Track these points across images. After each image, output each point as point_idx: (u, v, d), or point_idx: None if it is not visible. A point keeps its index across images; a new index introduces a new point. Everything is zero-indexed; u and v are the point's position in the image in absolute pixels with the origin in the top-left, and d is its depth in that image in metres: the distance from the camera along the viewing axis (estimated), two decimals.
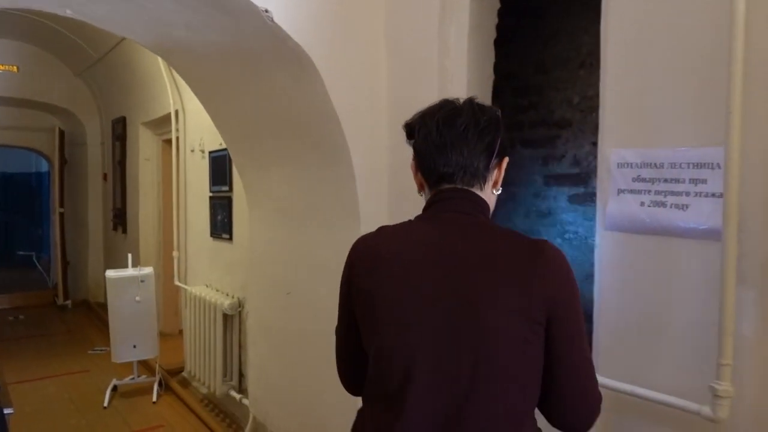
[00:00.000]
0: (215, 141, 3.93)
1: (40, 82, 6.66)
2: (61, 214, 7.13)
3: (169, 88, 4.63)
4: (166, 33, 2.42)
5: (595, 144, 2.79)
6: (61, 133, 7.09)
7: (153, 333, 4.35)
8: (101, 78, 6.51)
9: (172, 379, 4.55)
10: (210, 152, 4.17)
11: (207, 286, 4.27)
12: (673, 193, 1.47)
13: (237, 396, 3.70)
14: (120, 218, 6.46)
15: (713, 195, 1.39)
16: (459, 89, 2.22)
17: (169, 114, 4.72)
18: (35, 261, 9.13)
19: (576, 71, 2.86)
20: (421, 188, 1.21)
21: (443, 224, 1.12)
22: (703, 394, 1.34)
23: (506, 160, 1.18)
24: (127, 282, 4.24)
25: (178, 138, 4.75)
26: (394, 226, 1.19)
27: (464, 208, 1.12)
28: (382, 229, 1.19)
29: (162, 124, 5.28)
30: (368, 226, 2.42)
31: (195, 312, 4.18)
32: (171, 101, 4.66)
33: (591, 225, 2.81)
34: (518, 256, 1.05)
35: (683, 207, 1.45)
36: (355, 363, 1.22)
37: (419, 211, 2.28)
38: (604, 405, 1.62)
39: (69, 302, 7.19)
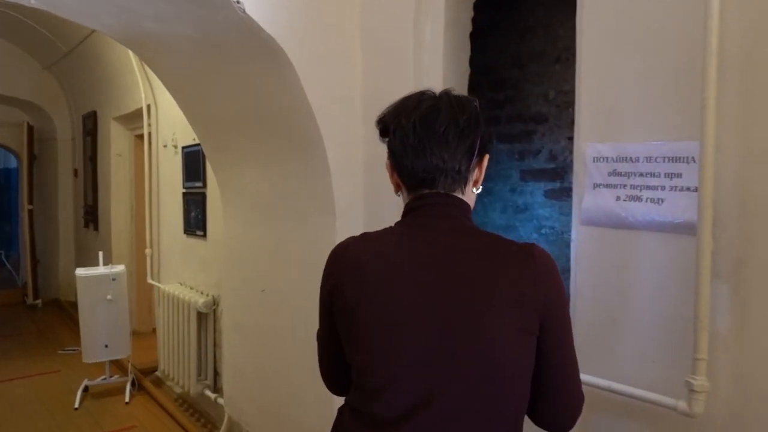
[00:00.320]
0: (188, 136, 3.85)
1: (6, 76, 6.48)
2: (30, 211, 6.96)
3: (141, 82, 4.54)
4: (135, 24, 2.36)
5: (571, 139, 2.80)
6: (30, 129, 6.92)
7: (125, 332, 4.26)
8: (71, 72, 6.36)
9: (146, 378, 4.47)
10: (183, 147, 4.09)
11: (181, 284, 4.21)
12: (648, 188, 1.46)
13: (212, 395, 3.65)
14: (91, 215, 6.34)
15: (688, 189, 1.39)
16: (435, 83, 2.19)
17: (141, 108, 4.64)
18: (4, 259, 8.91)
19: (552, 66, 2.86)
20: (398, 189, 1.15)
21: (428, 232, 1.06)
22: (679, 389, 1.34)
23: (487, 157, 1.14)
24: (98, 280, 4.15)
25: (150, 133, 4.66)
26: (377, 234, 1.12)
27: (447, 213, 1.08)
28: (365, 238, 1.12)
29: (134, 118, 5.18)
30: (344, 221, 2.43)
31: (168, 310, 4.11)
32: (143, 95, 4.58)
33: (567, 220, 2.82)
34: (509, 264, 1.01)
35: (659, 201, 1.44)
36: (337, 368, 1.18)
37: (395, 206, 2.26)
38: None
39: (39, 301, 7.04)
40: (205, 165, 3.73)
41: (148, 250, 4.63)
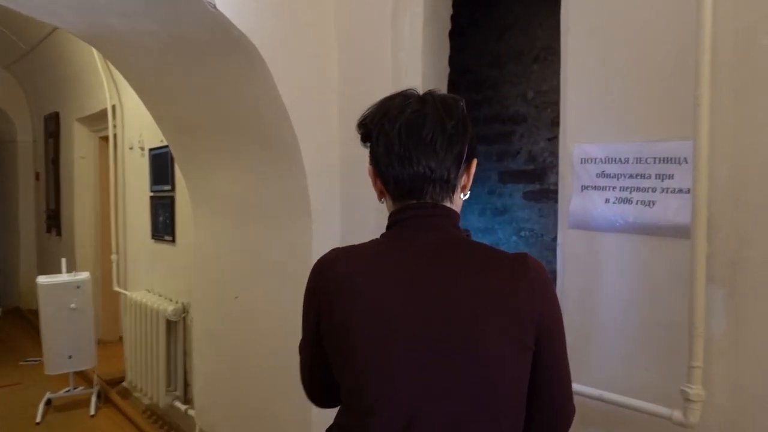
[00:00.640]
0: (156, 137, 3.75)
1: None
2: None
3: (106, 82, 4.40)
4: (99, 21, 2.24)
5: (550, 140, 2.77)
6: None
7: (90, 342, 4.10)
8: (32, 71, 6.15)
9: (112, 390, 4.32)
10: (150, 149, 3.98)
11: (148, 291, 4.08)
12: (639, 189, 1.42)
13: (182, 407, 3.54)
14: (54, 220, 6.15)
15: (680, 191, 1.34)
16: (414, 81, 2.13)
17: (106, 109, 4.49)
18: None
19: (530, 65, 2.82)
20: (381, 196, 1.09)
21: (418, 246, 1.00)
22: (674, 397, 1.29)
23: (475, 162, 1.08)
24: (61, 288, 3.99)
25: (115, 135, 4.53)
26: (363, 247, 1.05)
27: (436, 225, 1.02)
28: (351, 253, 1.04)
29: (98, 120, 5.02)
30: (320, 225, 2.35)
31: (136, 319, 3.97)
32: (107, 96, 4.43)
33: (547, 222, 2.78)
34: (504, 277, 0.96)
35: (650, 203, 1.40)
36: (321, 383, 1.12)
37: (374, 210, 2.19)
38: None
39: None
40: (174, 167, 3.63)
41: (114, 256, 4.48)
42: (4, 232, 7.04)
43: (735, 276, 1.26)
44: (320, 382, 1.12)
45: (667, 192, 1.37)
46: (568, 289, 1.58)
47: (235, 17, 2.03)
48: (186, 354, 3.67)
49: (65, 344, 4.00)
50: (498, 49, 2.94)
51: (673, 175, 1.36)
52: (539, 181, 2.77)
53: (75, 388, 4.16)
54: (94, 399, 4.11)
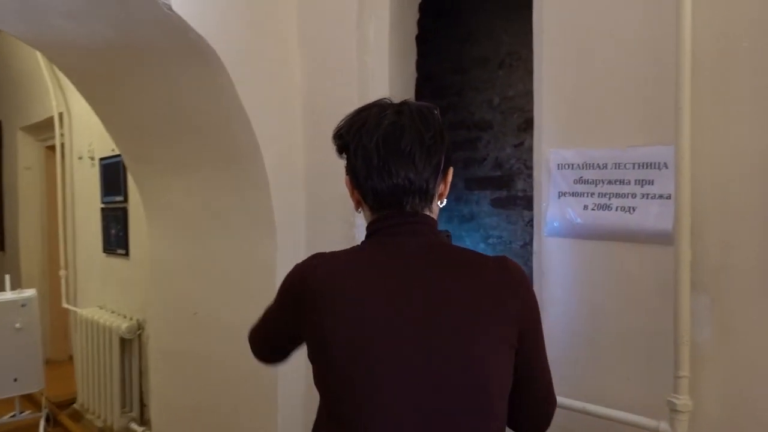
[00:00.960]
0: (107, 146, 3.58)
1: None
2: None
3: (52, 88, 4.19)
4: (43, 22, 2.10)
5: (517, 146, 2.75)
6: None
7: (37, 363, 3.87)
8: None
9: (62, 412, 4.10)
10: (101, 159, 3.80)
11: (100, 308, 3.89)
12: (618, 195, 1.39)
13: (138, 428, 3.39)
14: None
15: (661, 196, 1.32)
16: (381, 87, 2.07)
17: (53, 117, 4.28)
18: None
19: (495, 71, 2.80)
20: (359, 206, 1.10)
21: (399, 249, 1.01)
22: (661, 409, 1.26)
23: (451, 170, 1.10)
24: (5, 307, 3.75)
25: (63, 144, 4.32)
26: (343, 253, 1.05)
27: (416, 231, 1.03)
28: (333, 259, 1.04)
29: (44, 128, 4.78)
30: (285, 236, 2.25)
31: (87, 337, 3.78)
32: (54, 103, 4.22)
33: (515, 229, 2.75)
34: (487, 278, 0.99)
35: (630, 209, 1.37)
36: (273, 347, 1.22)
37: (341, 220, 2.12)
38: (553, 425, 1.53)
39: None
40: (126, 178, 3.48)
41: (62, 272, 4.26)
42: None
43: (719, 282, 1.24)
44: (273, 346, 1.20)
45: (647, 198, 1.34)
46: (546, 300, 1.53)
47: (192, 20, 1.93)
48: (142, 373, 3.51)
49: (10, 366, 3.75)
50: (462, 55, 2.91)
51: (653, 180, 1.33)
52: (506, 187, 2.74)
53: (21, 413, 3.92)
54: (42, 423, 3.87)
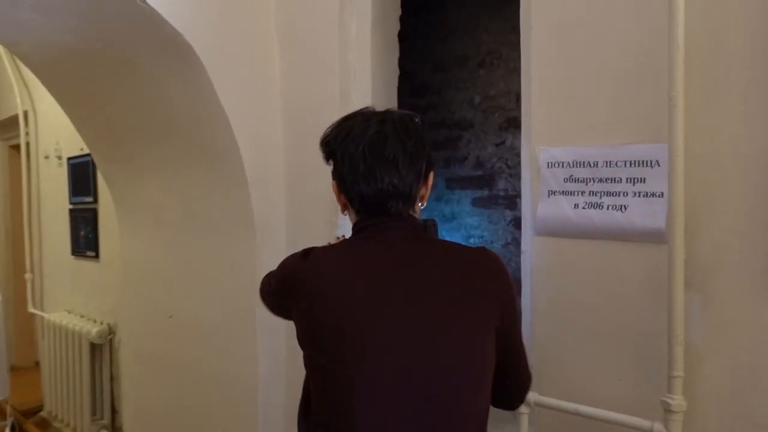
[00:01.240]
0: (75, 145, 3.46)
1: None
2: None
3: (16, 85, 4.04)
4: (5, 14, 2.00)
5: (498, 145, 2.74)
6: None
7: (2, 370, 3.72)
8: None
9: (28, 421, 3.95)
10: (69, 158, 3.67)
11: (69, 312, 3.76)
12: (609, 194, 1.37)
13: None
14: None
15: (653, 195, 1.31)
16: (363, 84, 2.03)
17: (17, 115, 4.13)
18: None
19: (476, 70, 2.79)
20: (345, 209, 1.18)
21: (387, 240, 1.09)
22: (655, 409, 1.25)
23: (432, 174, 1.18)
24: None
25: (28, 143, 4.17)
26: (333, 247, 1.14)
27: (400, 226, 1.11)
28: (324, 251, 1.12)
29: (8, 127, 4.62)
30: (265, 236, 2.19)
31: (55, 342, 3.66)
32: (18, 101, 4.07)
33: (496, 228, 2.74)
34: (470, 266, 1.07)
35: (621, 208, 1.35)
36: (279, 315, 1.25)
37: (322, 220, 2.07)
38: (546, 427, 1.51)
39: None
40: (96, 178, 3.37)
41: (28, 275, 4.12)
42: None
43: (712, 281, 1.23)
44: (278, 313, 1.26)
45: (639, 196, 1.33)
46: (536, 300, 1.51)
47: (168, 14, 1.87)
48: (113, 378, 3.41)
49: None
50: (442, 54, 2.89)
51: (644, 178, 1.32)
52: (488, 187, 2.73)
53: None
54: None
